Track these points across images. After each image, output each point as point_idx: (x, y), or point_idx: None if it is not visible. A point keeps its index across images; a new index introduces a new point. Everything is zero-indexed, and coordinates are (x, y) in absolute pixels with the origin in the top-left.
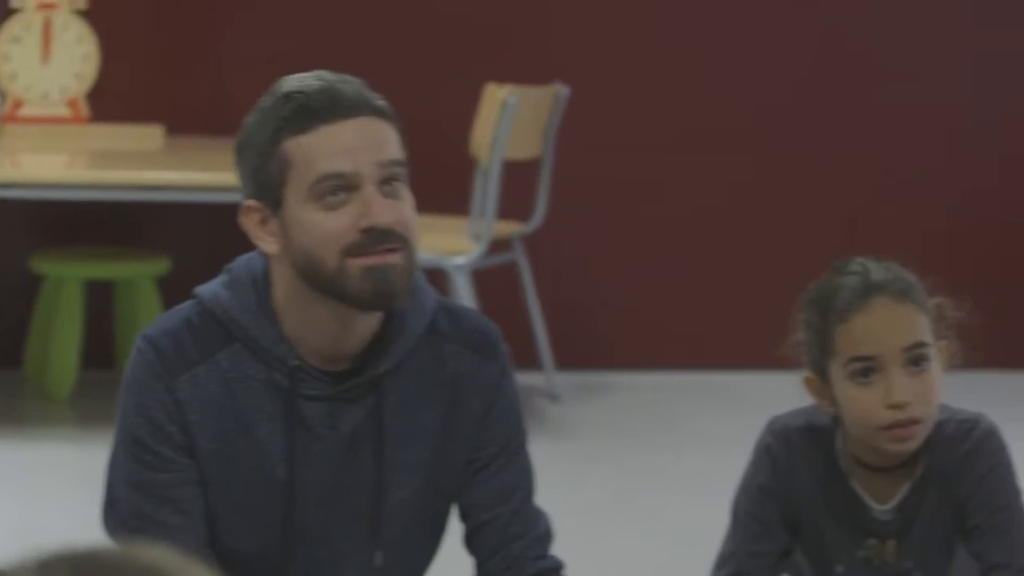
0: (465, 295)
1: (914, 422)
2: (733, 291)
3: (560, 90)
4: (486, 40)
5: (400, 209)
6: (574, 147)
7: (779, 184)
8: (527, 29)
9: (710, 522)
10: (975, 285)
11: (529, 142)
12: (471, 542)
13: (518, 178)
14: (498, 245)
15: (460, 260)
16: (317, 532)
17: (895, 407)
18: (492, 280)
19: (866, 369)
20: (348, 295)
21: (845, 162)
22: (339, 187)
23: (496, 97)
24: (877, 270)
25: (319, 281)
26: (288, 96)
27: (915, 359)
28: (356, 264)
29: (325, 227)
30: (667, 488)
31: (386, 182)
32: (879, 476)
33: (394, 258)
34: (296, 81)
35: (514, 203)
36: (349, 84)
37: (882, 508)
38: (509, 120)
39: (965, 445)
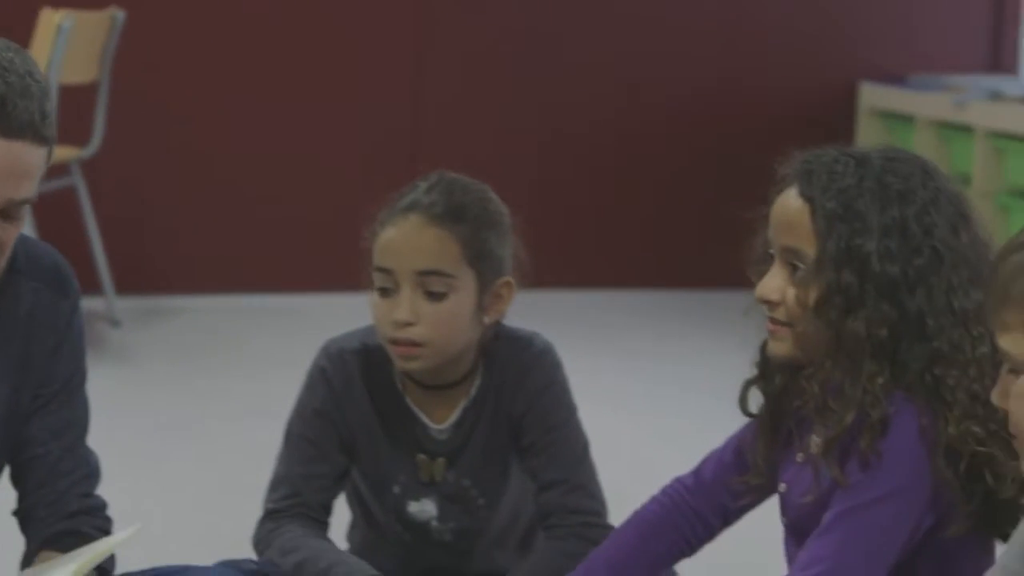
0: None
1: (415, 344)
2: (290, 215)
3: (116, 14)
4: None
5: (5, 234)
6: (132, 72)
7: (339, 108)
8: None
9: (275, 444)
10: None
11: (85, 66)
12: (17, 476)
13: (75, 103)
14: (55, 170)
15: None
16: None
17: (396, 324)
18: (50, 205)
19: (384, 280)
20: None
21: (408, 88)
22: None
23: (51, 21)
24: (435, 189)
25: None
26: None
27: (429, 285)
28: None
29: None
30: (231, 411)
31: (5, 211)
32: (434, 394)
33: None
34: None
35: (71, 128)
36: (29, 98)
37: (439, 427)
38: (64, 44)
39: (520, 363)
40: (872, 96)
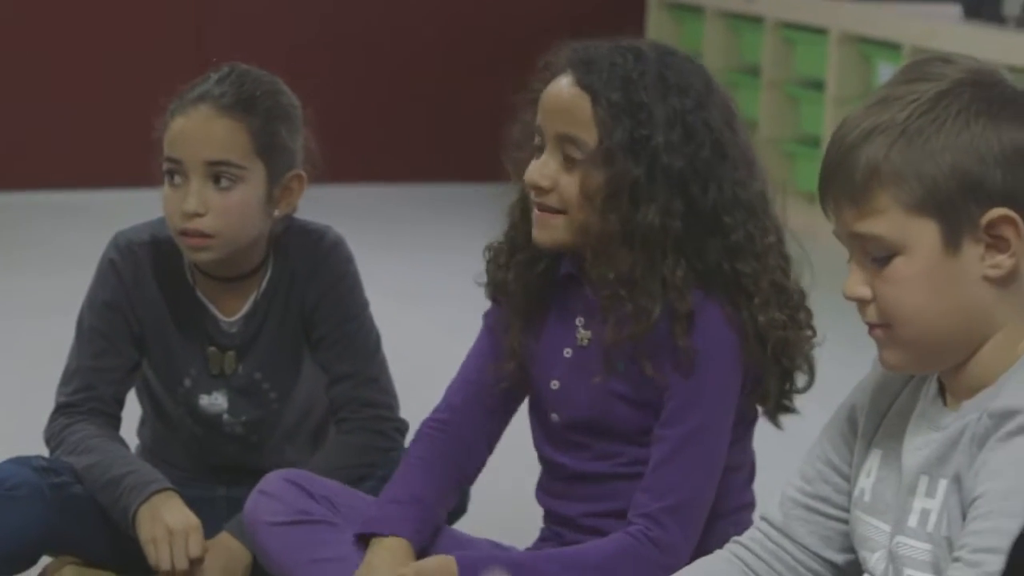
0: None
1: (204, 235)
2: (80, 110)
3: None
4: None
5: None
6: None
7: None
8: None
9: (67, 341)
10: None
11: None
12: None
13: None
14: None
15: None
16: None
17: (185, 214)
18: None
19: (173, 171)
20: None
21: None
22: None
23: None
24: (228, 80)
25: None
26: None
27: (218, 175)
28: None
29: None
30: (22, 308)
31: None
32: (225, 287)
33: None
34: None
35: None
36: None
37: (229, 319)
38: None
39: (312, 257)
40: None
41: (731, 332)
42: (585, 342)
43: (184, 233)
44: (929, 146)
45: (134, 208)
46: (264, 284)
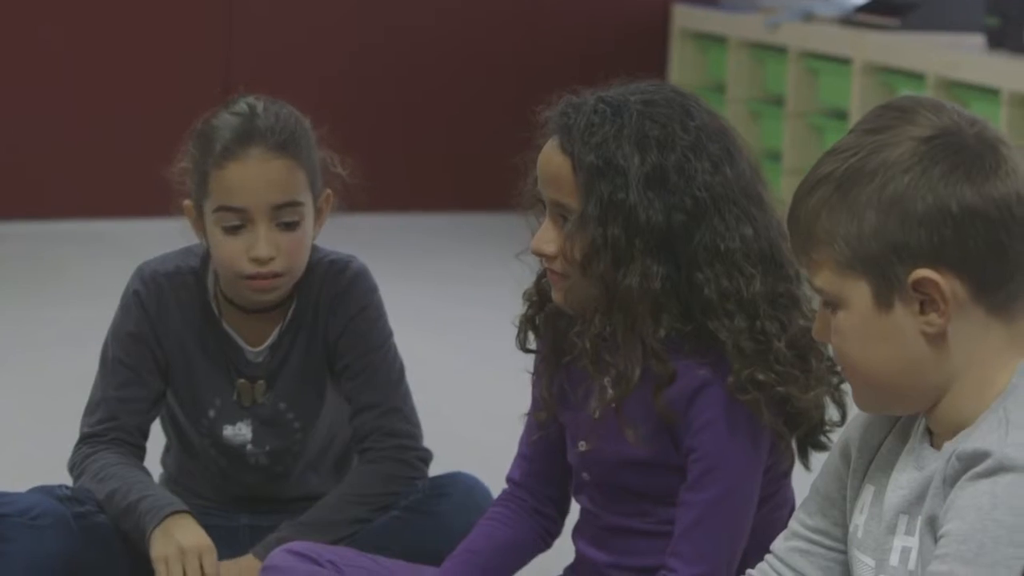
0: None
1: (276, 275)
2: (99, 139)
3: None
4: None
5: None
6: None
7: (148, 32)
8: None
9: (87, 371)
10: (356, 128)
11: None
12: None
13: None
14: None
15: None
16: None
17: (256, 260)
18: None
19: (234, 219)
20: None
21: (219, 13)
22: None
23: None
24: (264, 115)
25: None
26: None
27: (283, 216)
28: None
29: None
30: (42, 338)
31: None
32: (251, 317)
33: None
34: None
35: None
36: None
37: (255, 350)
38: None
39: (336, 286)
40: (685, 17)
41: (735, 400)
42: (614, 404)
43: (254, 277)
44: (857, 204)
45: (158, 238)
46: (289, 314)
